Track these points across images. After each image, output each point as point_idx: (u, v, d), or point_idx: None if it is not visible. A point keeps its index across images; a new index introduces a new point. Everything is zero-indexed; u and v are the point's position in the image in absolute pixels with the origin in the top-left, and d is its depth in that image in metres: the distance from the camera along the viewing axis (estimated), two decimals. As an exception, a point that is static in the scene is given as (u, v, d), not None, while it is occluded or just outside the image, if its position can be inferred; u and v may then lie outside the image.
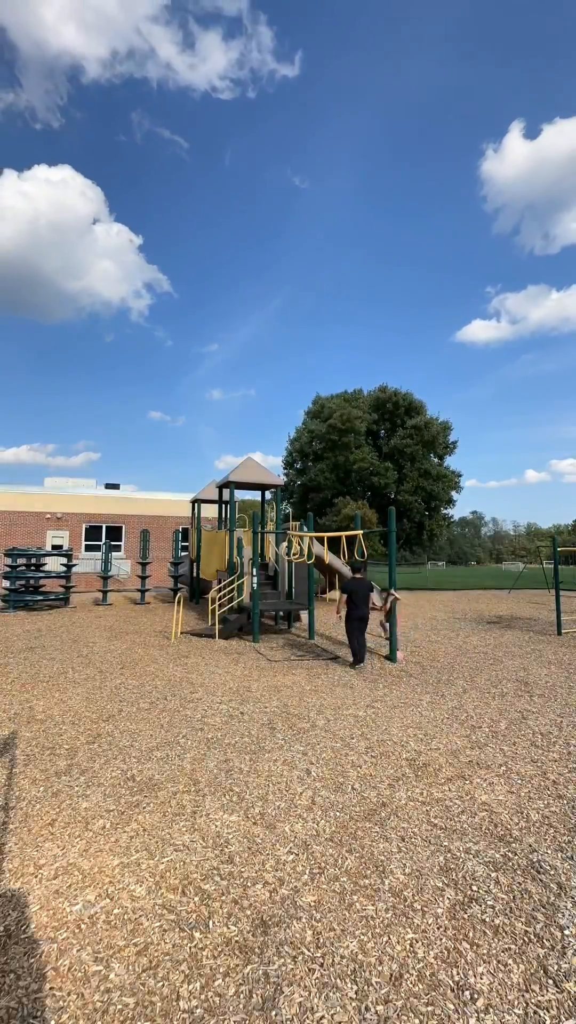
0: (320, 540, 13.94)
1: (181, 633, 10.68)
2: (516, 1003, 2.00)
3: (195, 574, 16.54)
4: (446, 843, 3.08)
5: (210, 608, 10.85)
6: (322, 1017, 1.93)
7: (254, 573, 10.12)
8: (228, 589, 11.35)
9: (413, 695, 6.39)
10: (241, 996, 2.02)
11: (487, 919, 2.45)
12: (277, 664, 8.17)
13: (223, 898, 2.58)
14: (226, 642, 10.00)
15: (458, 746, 4.67)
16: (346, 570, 13.28)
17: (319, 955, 2.22)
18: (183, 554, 18.94)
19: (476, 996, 2.02)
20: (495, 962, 2.20)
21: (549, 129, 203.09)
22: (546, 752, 4.53)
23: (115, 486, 27.83)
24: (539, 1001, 2.01)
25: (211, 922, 2.41)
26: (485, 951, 2.26)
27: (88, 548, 24.13)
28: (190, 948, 2.26)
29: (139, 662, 8.12)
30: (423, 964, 2.18)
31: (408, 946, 2.28)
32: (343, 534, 9.59)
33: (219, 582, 11.94)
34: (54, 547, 23.27)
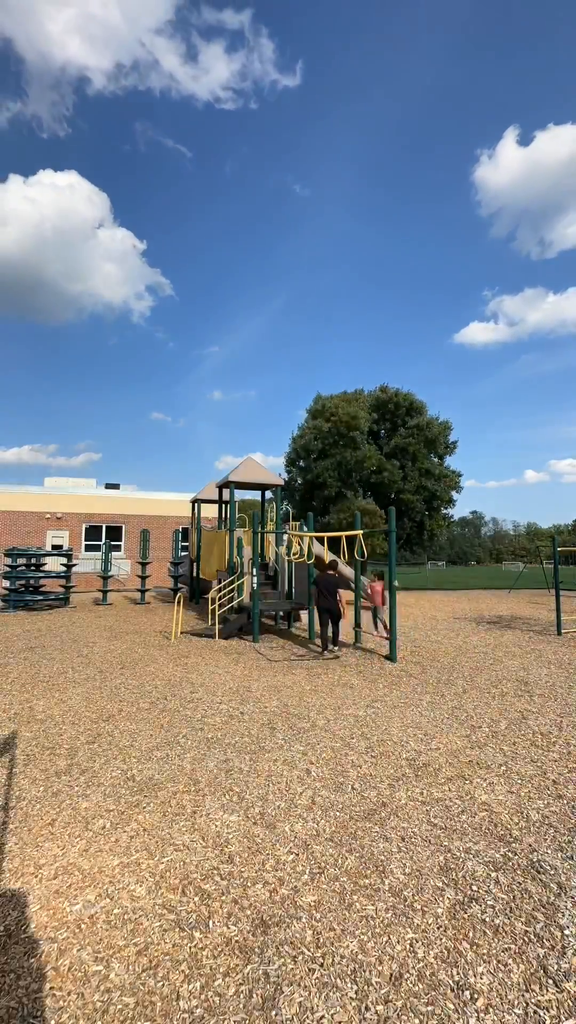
0: (320, 540, 13.93)
1: (181, 633, 10.68)
2: (516, 1003, 2.00)
3: (195, 574, 16.53)
4: (446, 843, 3.08)
5: (210, 608, 10.84)
6: (322, 1017, 1.93)
7: (254, 573, 10.12)
8: (228, 589, 11.34)
9: (413, 695, 6.39)
10: (241, 996, 2.02)
11: (487, 919, 2.45)
12: (277, 664, 8.17)
13: (223, 898, 2.58)
14: (226, 642, 10.00)
15: (458, 746, 4.67)
16: (348, 571, 13.27)
17: (319, 955, 2.22)
18: (183, 554, 18.92)
19: (476, 996, 2.02)
20: (495, 962, 2.19)
21: (542, 135, 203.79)
22: (546, 752, 4.53)
23: (115, 486, 27.78)
24: (539, 1001, 2.01)
25: (211, 922, 2.42)
26: (485, 951, 2.26)
27: (88, 548, 24.10)
28: (190, 948, 2.26)
29: (139, 662, 8.12)
30: (423, 964, 2.18)
31: (408, 946, 2.28)
32: (343, 534, 9.59)
33: (219, 582, 11.93)
34: (54, 547, 23.24)
